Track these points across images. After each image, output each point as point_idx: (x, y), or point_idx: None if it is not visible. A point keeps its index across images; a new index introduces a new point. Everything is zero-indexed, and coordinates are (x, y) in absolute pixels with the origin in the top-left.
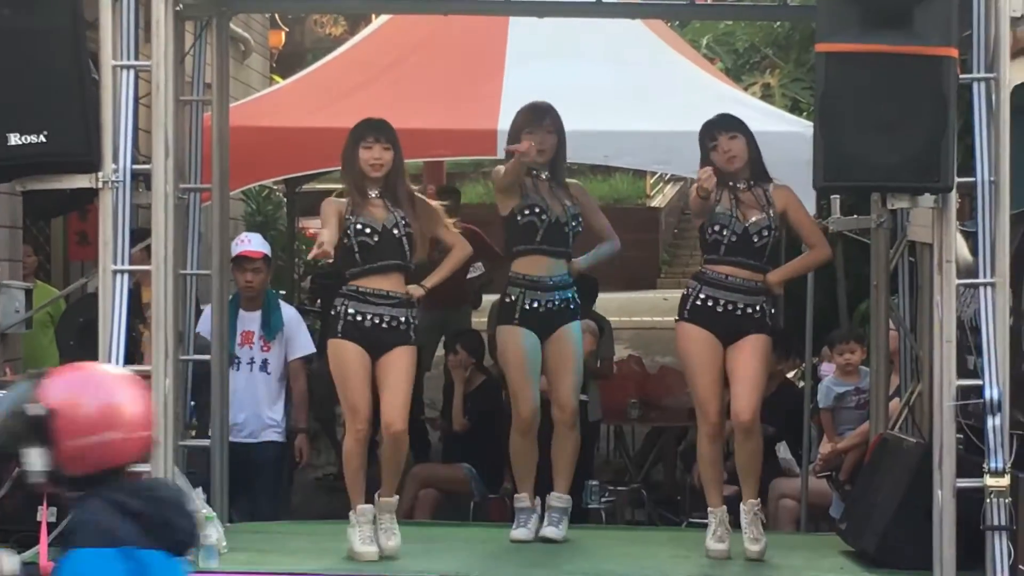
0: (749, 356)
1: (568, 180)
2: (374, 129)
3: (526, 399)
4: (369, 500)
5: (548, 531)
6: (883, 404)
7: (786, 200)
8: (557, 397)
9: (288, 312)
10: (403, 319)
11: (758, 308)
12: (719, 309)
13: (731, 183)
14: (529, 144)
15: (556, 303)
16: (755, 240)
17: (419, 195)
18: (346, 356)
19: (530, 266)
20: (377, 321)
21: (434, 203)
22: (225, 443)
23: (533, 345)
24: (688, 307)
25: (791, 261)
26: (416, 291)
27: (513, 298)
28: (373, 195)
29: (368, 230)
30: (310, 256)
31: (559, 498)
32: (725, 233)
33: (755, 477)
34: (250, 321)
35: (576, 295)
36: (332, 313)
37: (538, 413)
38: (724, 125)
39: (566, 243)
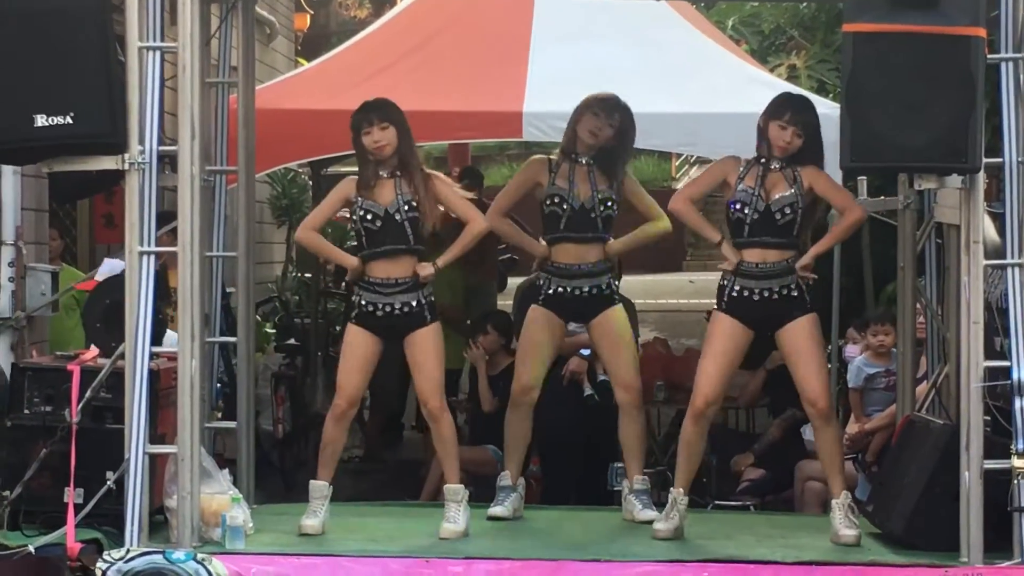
0: (803, 338)
1: None
2: (369, 111)
3: (521, 373)
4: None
5: (644, 515)
6: (910, 385)
7: (812, 176)
8: (618, 379)
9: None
10: (415, 302)
11: (793, 287)
12: (756, 298)
13: (762, 161)
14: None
15: (586, 290)
16: (778, 217)
17: (433, 172)
18: (350, 339)
19: (559, 253)
20: (390, 310)
21: (447, 179)
22: (251, 424)
23: (549, 325)
24: (725, 298)
25: (822, 238)
26: (425, 271)
27: (541, 282)
28: (384, 175)
29: (370, 216)
30: (347, 279)
31: (640, 480)
32: (747, 211)
33: (840, 468)
34: None
35: (612, 281)
36: (352, 299)
37: (532, 392)
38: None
39: (594, 228)
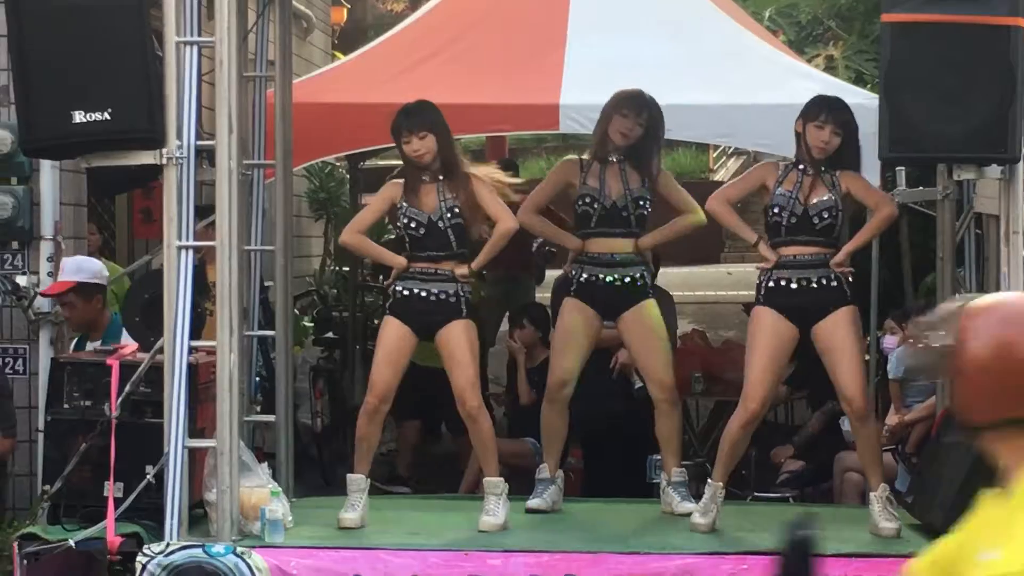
0: (841, 331)
1: None
2: (406, 121)
3: (556, 367)
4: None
5: (682, 507)
6: None
7: (849, 180)
8: (650, 377)
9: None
10: (451, 292)
11: (832, 278)
12: (793, 286)
13: (800, 167)
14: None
15: (618, 279)
16: (816, 221)
17: (473, 173)
18: (385, 331)
19: (592, 246)
20: (424, 295)
21: (484, 175)
22: (290, 418)
23: (583, 317)
24: (763, 291)
25: (855, 234)
26: (461, 271)
27: (573, 273)
28: (427, 179)
29: (414, 224)
30: (389, 282)
31: (678, 472)
32: (784, 215)
33: (878, 463)
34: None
35: (646, 274)
36: (390, 290)
37: (568, 385)
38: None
39: (627, 225)
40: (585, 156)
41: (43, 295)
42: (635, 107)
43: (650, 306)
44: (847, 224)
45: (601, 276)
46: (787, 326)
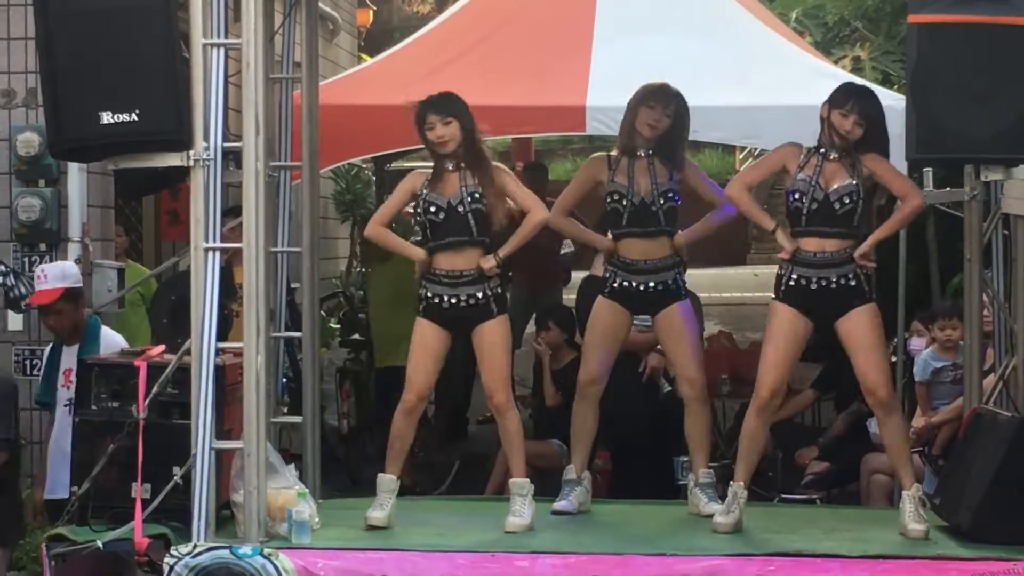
0: (863, 328)
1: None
2: (430, 108)
3: (588, 363)
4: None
5: (709, 508)
6: (977, 378)
7: (873, 163)
8: (681, 374)
9: (110, 341)
10: (481, 295)
11: (852, 276)
12: (813, 287)
13: (822, 151)
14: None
15: (652, 285)
16: (837, 207)
17: (497, 164)
18: (419, 331)
19: (625, 248)
20: (455, 302)
21: (504, 168)
22: (316, 419)
23: (616, 316)
24: (783, 287)
25: (880, 226)
26: (488, 263)
27: (607, 275)
28: (450, 167)
29: (433, 208)
30: (417, 278)
31: (706, 474)
32: (805, 201)
33: (907, 458)
34: (69, 357)
35: (679, 275)
36: (419, 293)
37: (598, 383)
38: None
39: (656, 222)
40: (613, 152)
41: (33, 304)
42: (662, 98)
43: (684, 305)
44: (872, 216)
45: (635, 283)
46: (803, 321)
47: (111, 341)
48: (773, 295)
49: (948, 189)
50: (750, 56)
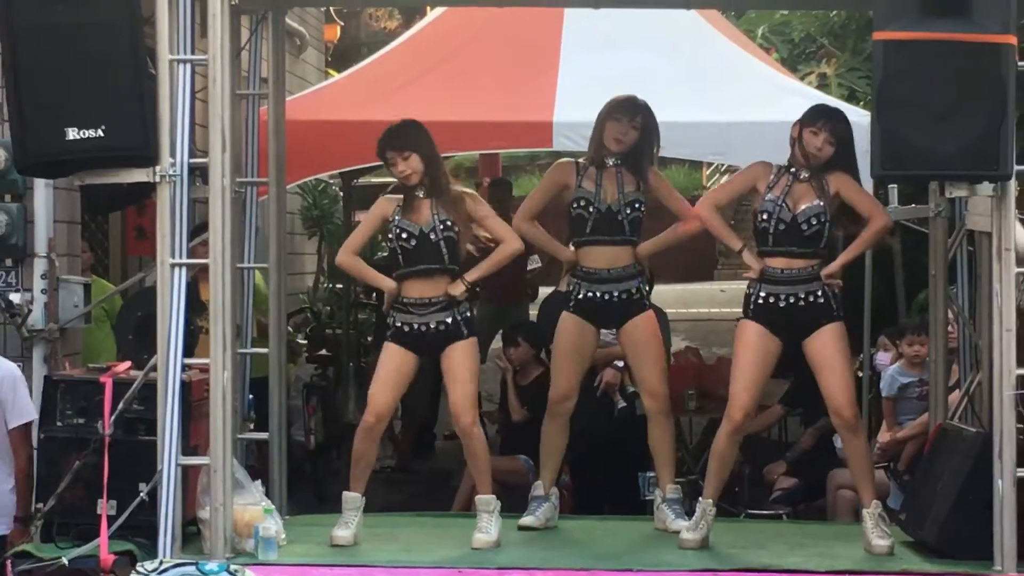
0: (830, 347)
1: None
2: (387, 145)
3: (557, 381)
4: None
5: (676, 524)
6: (943, 394)
7: (839, 182)
8: (645, 387)
9: (4, 371)
10: (451, 319)
11: (820, 294)
12: (782, 304)
13: (792, 170)
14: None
15: (616, 295)
16: (804, 228)
17: (466, 191)
18: (386, 354)
19: (587, 257)
20: (425, 329)
21: (476, 196)
22: (283, 435)
23: (582, 332)
24: (751, 306)
25: (848, 247)
26: (456, 289)
27: (571, 287)
28: (420, 195)
29: (405, 235)
30: (384, 309)
31: (673, 489)
32: (772, 221)
33: (869, 477)
34: None
35: (643, 284)
36: (387, 321)
37: (569, 400)
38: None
39: (621, 231)
40: (581, 160)
41: None
42: (628, 111)
43: (649, 317)
44: (841, 235)
45: (599, 294)
46: (772, 340)
47: (6, 370)
48: (742, 314)
49: (913, 206)
50: (717, 72)
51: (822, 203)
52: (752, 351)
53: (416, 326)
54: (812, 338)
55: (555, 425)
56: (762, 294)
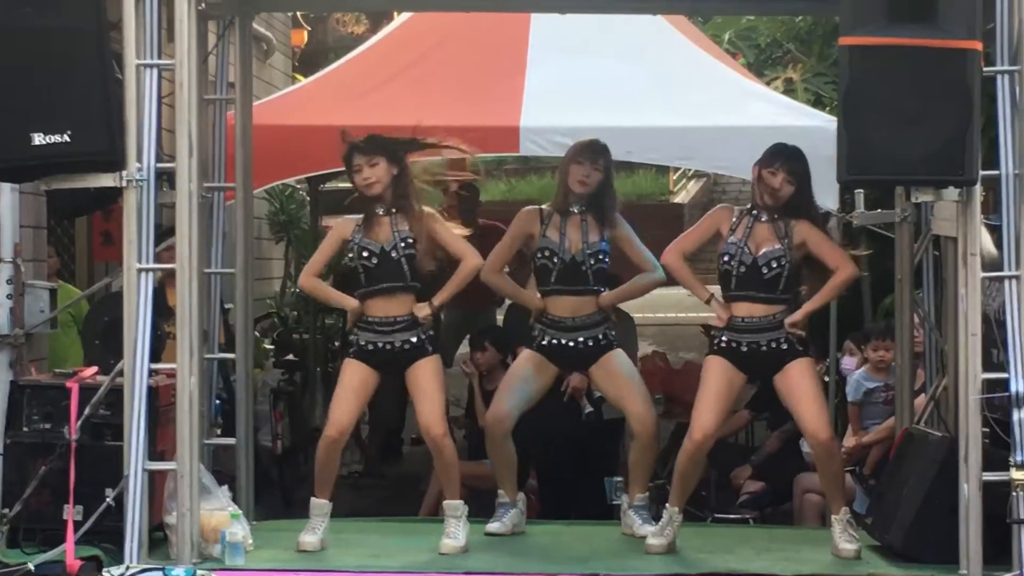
0: (800, 377)
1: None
2: (357, 151)
3: (498, 403)
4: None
5: (643, 529)
6: (908, 398)
7: (805, 232)
8: (632, 416)
9: None
10: (415, 339)
11: (783, 340)
12: (744, 349)
13: (753, 212)
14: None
15: (582, 342)
16: (764, 272)
17: (427, 208)
18: (348, 371)
19: (552, 306)
20: (389, 348)
21: (435, 215)
22: (250, 441)
23: (539, 369)
24: (716, 346)
25: (814, 296)
26: (422, 312)
27: (536, 333)
28: (380, 212)
29: (366, 253)
30: (348, 328)
31: (640, 498)
32: (734, 264)
33: (841, 490)
34: None
35: (609, 331)
36: (351, 338)
37: (505, 422)
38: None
39: (585, 281)
40: (546, 207)
41: None
42: (590, 154)
43: (618, 354)
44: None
45: (564, 341)
46: (737, 374)
47: None
48: (708, 350)
49: (879, 211)
50: (683, 77)
51: (782, 247)
52: (717, 380)
53: (381, 344)
54: (781, 374)
55: (496, 445)
56: (724, 339)
